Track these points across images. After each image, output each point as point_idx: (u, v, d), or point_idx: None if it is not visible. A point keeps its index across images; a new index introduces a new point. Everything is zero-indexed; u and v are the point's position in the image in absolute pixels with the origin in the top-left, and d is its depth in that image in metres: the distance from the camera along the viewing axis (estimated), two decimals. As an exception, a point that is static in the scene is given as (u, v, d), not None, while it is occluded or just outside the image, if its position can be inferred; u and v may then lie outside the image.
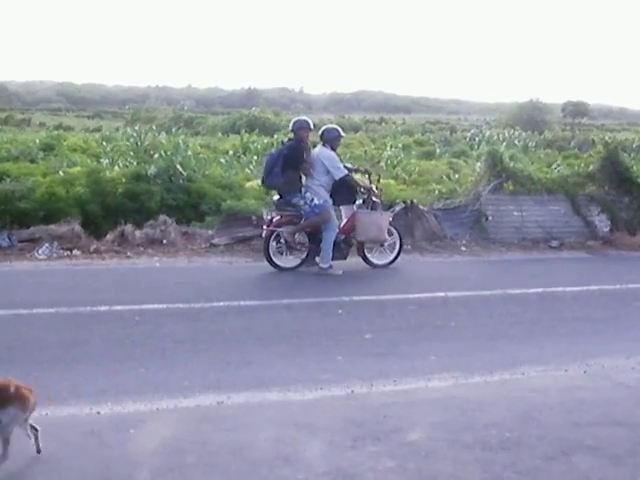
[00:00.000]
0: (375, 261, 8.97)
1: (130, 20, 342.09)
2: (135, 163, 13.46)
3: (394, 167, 18.32)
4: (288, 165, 8.32)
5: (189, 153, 14.97)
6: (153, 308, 6.45)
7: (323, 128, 8.91)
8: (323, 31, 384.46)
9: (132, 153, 15.70)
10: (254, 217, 10.19)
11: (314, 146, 8.87)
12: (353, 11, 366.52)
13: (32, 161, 15.70)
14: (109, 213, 10.77)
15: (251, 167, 16.98)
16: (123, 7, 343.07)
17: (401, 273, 8.79)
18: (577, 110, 75.05)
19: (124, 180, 11.37)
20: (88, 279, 7.90)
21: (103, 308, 6.35)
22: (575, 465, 3.37)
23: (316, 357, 5.19)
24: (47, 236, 9.53)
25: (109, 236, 9.87)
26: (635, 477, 3.29)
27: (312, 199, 8.37)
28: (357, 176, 9.07)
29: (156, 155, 13.92)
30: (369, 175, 9.29)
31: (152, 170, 11.62)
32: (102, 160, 15.26)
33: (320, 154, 8.53)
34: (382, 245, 9.05)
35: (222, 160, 17.77)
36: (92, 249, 9.41)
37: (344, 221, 8.85)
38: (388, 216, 8.97)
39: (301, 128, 8.54)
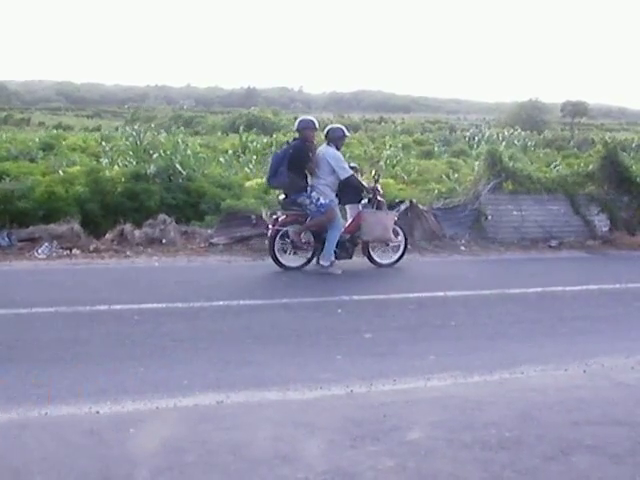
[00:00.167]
0: (380, 260, 8.99)
1: (129, 19, 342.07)
2: (134, 162, 13.46)
3: (393, 166, 18.33)
4: (293, 165, 8.33)
5: (188, 152, 14.96)
6: (152, 307, 6.44)
7: (328, 127, 8.93)
8: (322, 31, 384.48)
9: (131, 152, 15.68)
10: (253, 216, 10.21)
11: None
12: (352, 11, 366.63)
13: (31, 160, 15.71)
14: (108, 212, 10.78)
15: (250, 166, 17.00)
16: (122, 6, 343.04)
17: (401, 273, 8.79)
18: (576, 110, 75.00)
19: (123, 179, 11.37)
20: (87, 278, 7.90)
21: (102, 307, 6.35)
22: (574, 464, 3.37)
23: (315, 356, 5.19)
24: (46, 235, 9.53)
25: (108, 235, 9.88)
26: (635, 476, 3.29)
27: (318, 198, 8.38)
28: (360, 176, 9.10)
29: (155, 154, 13.92)
30: (374, 175, 9.33)
31: (151, 169, 11.63)
32: (101, 159, 15.28)
33: (326, 153, 8.54)
34: (387, 244, 9.07)
35: (221, 159, 17.79)
36: (91, 248, 9.41)
37: (349, 220, 8.87)
38: (393, 215, 8.99)
39: (306, 128, 8.55)
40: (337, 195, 8.64)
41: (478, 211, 11.50)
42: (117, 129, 32.62)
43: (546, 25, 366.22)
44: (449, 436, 3.65)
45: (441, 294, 7.40)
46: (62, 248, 9.32)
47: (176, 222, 10.31)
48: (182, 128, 35.07)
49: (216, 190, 11.78)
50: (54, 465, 3.24)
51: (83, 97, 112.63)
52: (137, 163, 13.12)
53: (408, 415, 3.95)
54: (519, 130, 38.91)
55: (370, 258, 8.94)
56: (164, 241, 9.83)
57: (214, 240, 9.92)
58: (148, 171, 11.56)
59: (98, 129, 40.98)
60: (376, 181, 9.09)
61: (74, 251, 9.29)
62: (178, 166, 12.03)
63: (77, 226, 9.82)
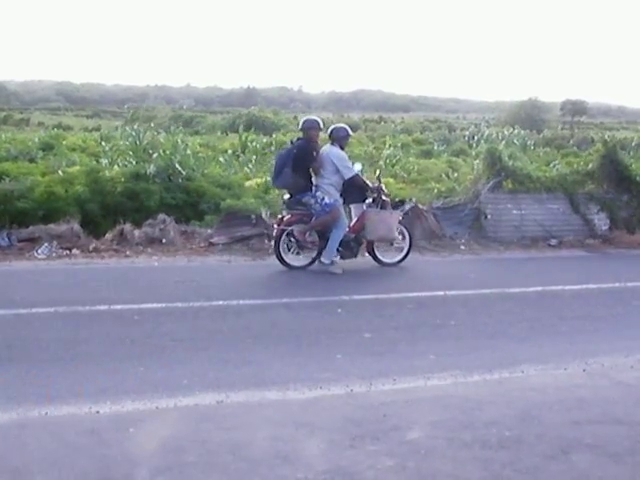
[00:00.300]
0: (385, 259, 9.01)
1: (129, 19, 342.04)
2: (134, 162, 13.45)
3: (393, 166, 18.35)
4: (298, 165, 8.33)
5: (188, 152, 14.95)
6: (152, 307, 6.44)
7: (332, 127, 8.94)
8: (322, 30, 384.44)
9: (131, 152, 15.67)
10: (253, 216, 10.21)
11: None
12: (352, 10, 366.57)
13: (31, 160, 15.70)
14: (108, 212, 10.77)
15: (250, 166, 17.00)
16: (122, 6, 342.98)
17: (401, 272, 8.79)
18: (576, 109, 75.07)
19: (123, 179, 11.37)
20: (87, 278, 7.89)
21: (102, 307, 6.35)
22: (574, 463, 3.37)
23: (315, 356, 5.19)
24: (46, 235, 9.52)
25: (108, 235, 9.87)
26: (635, 475, 3.29)
27: (322, 198, 8.40)
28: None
29: (155, 154, 13.92)
30: (378, 174, 9.39)
31: (151, 169, 11.62)
32: (101, 159, 15.26)
33: (330, 153, 8.55)
34: (392, 244, 9.08)
35: (221, 159, 17.78)
36: (91, 248, 9.41)
37: (354, 220, 8.88)
38: (398, 215, 9.00)
39: (311, 127, 8.57)
40: (341, 195, 8.66)
41: (478, 210, 11.50)
42: (117, 129, 32.58)
43: (545, 24, 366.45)
44: (449, 435, 3.65)
45: (441, 293, 7.40)
46: (62, 248, 9.32)
47: (176, 222, 10.30)
48: (182, 128, 35.08)
49: (216, 190, 11.77)
50: (54, 465, 3.24)
51: (83, 97, 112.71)
52: (137, 163, 13.11)
53: (408, 415, 3.96)
54: (519, 129, 38.89)
55: (375, 257, 8.96)
56: (164, 241, 9.83)
57: (214, 240, 9.92)
58: (148, 171, 11.55)
59: (98, 129, 40.97)
60: (380, 181, 9.13)
61: (74, 251, 9.29)
62: (178, 166, 12.02)
63: (77, 226, 9.81)
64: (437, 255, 10.15)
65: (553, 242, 11.49)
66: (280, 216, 8.77)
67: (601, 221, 12.09)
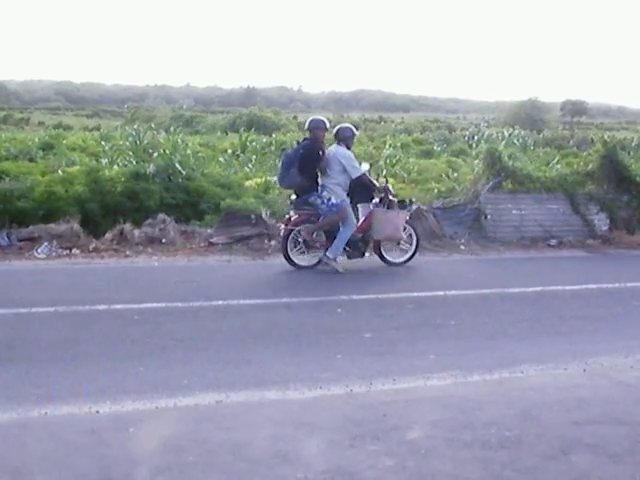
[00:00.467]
0: (392, 259, 9.03)
1: (129, 19, 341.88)
2: (134, 162, 13.45)
3: (393, 166, 18.35)
4: (304, 165, 8.36)
5: (188, 152, 14.96)
6: (152, 307, 6.44)
7: (337, 127, 8.97)
8: (322, 30, 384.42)
9: (131, 152, 15.67)
10: (253, 216, 10.22)
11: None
12: (352, 10, 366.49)
13: (31, 160, 15.72)
14: (108, 212, 10.78)
15: (250, 166, 17.01)
16: (122, 6, 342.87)
17: (400, 272, 8.79)
18: (576, 109, 75.06)
19: (123, 179, 11.37)
20: (87, 278, 7.90)
21: (102, 307, 6.35)
22: (574, 464, 3.37)
23: (315, 356, 5.19)
24: (46, 235, 9.53)
25: (108, 235, 9.88)
26: (635, 475, 3.29)
27: (329, 198, 8.42)
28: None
29: (155, 154, 13.92)
30: (384, 174, 9.43)
31: (151, 169, 11.62)
32: (101, 159, 15.26)
33: (337, 153, 8.58)
34: (398, 243, 9.09)
35: (221, 159, 17.79)
36: (91, 248, 9.41)
37: (361, 219, 8.91)
38: (405, 215, 9.02)
39: (317, 128, 8.60)
40: (349, 194, 8.68)
41: (478, 210, 11.51)
42: (117, 129, 32.62)
43: (545, 24, 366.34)
44: (449, 435, 3.65)
45: (441, 293, 7.40)
46: (62, 248, 9.32)
47: (176, 222, 10.31)
48: (182, 128, 35.08)
49: (216, 189, 11.78)
50: (54, 465, 3.24)
51: (83, 97, 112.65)
52: (137, 163, 13.11)
53: (408, 414, 3.96)
54: (519, 129, 38.92)
55: (382, 257, 9.00)
56: (164, 241, 9.83)
57: (214, 240, 9.92)
58: (148, 171, 11.55)
59: (98, 129, 40.97)
60: (387, 181, 9.14)
61: (74, 251, 9.29)
62: (178, 166, 12.02)
63: (77, 226, 9.82)
64: (437, 255, 10.15)
65: (553, 242, 11.49)
66: (288, 216, 8.80)
67: (601, 221, 12.09)
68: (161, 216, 10.24)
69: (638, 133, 44.13)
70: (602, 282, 8.33)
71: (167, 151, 13.86)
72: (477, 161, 13.78)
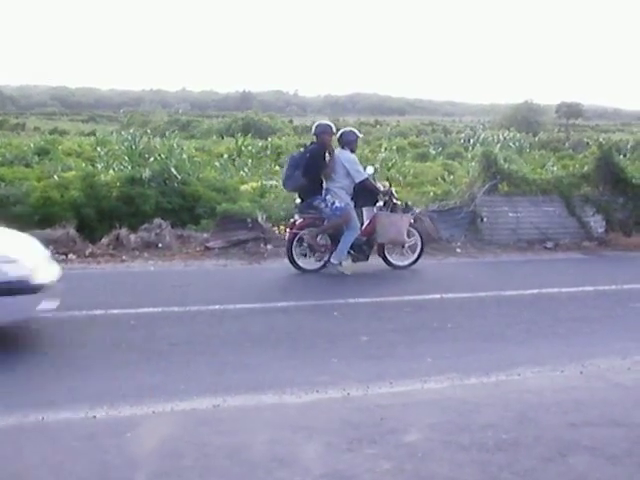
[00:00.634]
0: (396, 262, 9.05)
1: (125, 24, 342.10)
2: (130, 167, 13.46)
3: (389, 169, 18.39)
4: (310, 169, 8.39)
5: (184, 156, 14.96)
6: (149, 312, 6.43)
7: (341, 131, 9.00)
8: (317, 34, 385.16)
9: (127, 157, 15.68)
10: (249, 220, 10.21)
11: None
12: (347, 14, 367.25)
13: (27, 165, 15.74)
14: (104, 217, 10.77)
15: (245, 170, 17.02)
16: (117, 11, 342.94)
17: (397, 275, 8.79)
18: (571, 111, 75.23)
19: (119, 184, 11.37)
20: (83, 283, 7.86)
21: (99, 312, 6.33)
22: (572, 466, 3.37)
23: (312, 359, 5.18)
24: (42, 240, 9.45)
25: (104, 240, 9.85)
26: (632, 477, 3.29)
27: (333, 202, 8.44)
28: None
29: (151, 159, 13.92)
30: (388, 178, 9.46)
31: (147, 174, 11.62)
32: (97, 164, 15.27)
33: (341, 157, 8.60)
34: (402, 246, 9.11)
35: (217, 163, 17.80)
36: (87, 253, 9.39)
37: (365, 223, 8.93)
38: (408, 218, 9.05)
39: (324, 132, 8.63)
40: (353, 198, 8.71)
41: (474, 213, 11.51)
42: (112, 133, 32.60)
43: (541, 27, 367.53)
44: (446, 438, 3.65)
45: (437, 296, 7.40)
46: (58, 253, 9.28)
47: (172, 226, 10.30)
48: (177, 132, 35.09)
49: (212, 194, 11.79)
50: (51, 470, 3.24)
51: (78, 102, 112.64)
52: (132, 167, 13.13)
53: (405, 417, 3.96)
54: (514, 132, 39.02)
55: (386, 260, 9.01)
56: (160, 245, 9.82)
57: (210, 244, 9.91)
58: (143, 175, 11.55)
59: (93, 134, 40.94)
60: (390, 185, 9.16)
61: (70, 256, 9.27)
62: (173, 170, 12.03)
63: (73, 231, 9.80)
64: (433, 258, 10.14)
65: (549, 245, 11.50)
66: (292, 220, 8.82)
67: (597, 223, 12.10)
68: (157, 221, 10.22)
69: (633, 135, 44.29)
70: (599, 284, 8.34)
71: (163, 156, 13.87)
72: (473, 164, 13.81)
